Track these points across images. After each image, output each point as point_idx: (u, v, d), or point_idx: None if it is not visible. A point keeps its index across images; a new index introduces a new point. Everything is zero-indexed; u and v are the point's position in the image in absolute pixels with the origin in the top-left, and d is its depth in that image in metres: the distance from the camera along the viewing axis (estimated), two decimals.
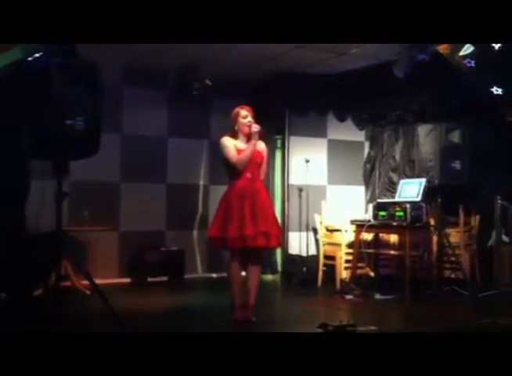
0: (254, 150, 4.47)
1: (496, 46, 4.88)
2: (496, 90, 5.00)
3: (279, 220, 7.48)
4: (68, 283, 5.45)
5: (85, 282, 5.24)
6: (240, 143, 4.51)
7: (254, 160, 4.49)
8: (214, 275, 7.33)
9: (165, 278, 6.71)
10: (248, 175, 4.47)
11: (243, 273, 4.66)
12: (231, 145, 4.47)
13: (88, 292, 5.46)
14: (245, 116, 4.51)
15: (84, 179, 6.37)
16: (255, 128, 4.43)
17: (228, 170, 4.53)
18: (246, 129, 4.48)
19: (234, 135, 4.54)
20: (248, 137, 4.47)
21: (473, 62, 4.95)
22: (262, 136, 4.57)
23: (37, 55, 3.61)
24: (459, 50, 4.97)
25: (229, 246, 4.44)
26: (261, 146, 4.60)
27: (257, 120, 4.55)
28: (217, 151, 7.13)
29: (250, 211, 4.36)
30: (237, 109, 4.57)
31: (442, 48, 5.02)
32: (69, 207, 5.73)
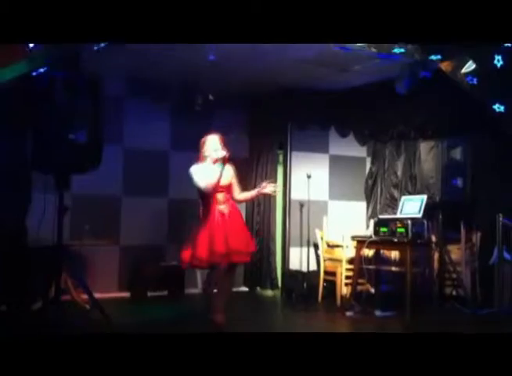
0: (223, 174, 4.74)
1: (498, 64, 4.90)
2: (498, 107, 5.01)
3: (280, 235, 7.52)
4: (67, 297, 5.42)
5: (85, 296, 5.23)
6: (208, 168, 4.76)
7: (222, 184, 4.77)
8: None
9: (165, 293, 6.68)
10: (220, 197, 4.78)
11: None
12: (198, 171, 4.75)
13: (87, 306, 5.43)
14: (213, 143, 4.83)
15: (86, 193, 6.35)
16: (221, 154, 4.74)
17: (199, 192, 4.82)
18: (212, 155, 4.77)
19: (202, 161, 4.83)
20: (215, 162, 4.76)
21: (475, 79, 4.96)
22: (227, 161, 4.81)
23: (42, 69, 3.64)
24: (462, 67, 4.98)
25: (197, 265, 4.82)
26: (229, 171, 4.87)
27: (224, 139, 4.88)
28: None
29: (222, 232, 4.65)
30: (205, 137, 4.90)
31: (444, 66, 5.04)
32: (70, 221, 5.73)
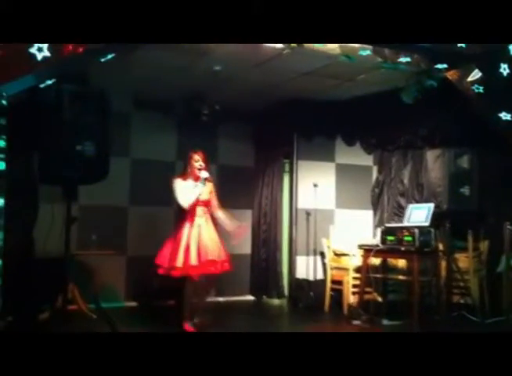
0: (200, 193, 5.07)
1: (505, 72, 4.90)
2: (505, 116, 5.00)
3: (286, 244, 7.52)
4: (74, 307, 5.43)
5: (92, 306, 5.24)
6: (189, 185, 5.06)
7: (202, 199, 5.12)
8: (220, 299, 7.30)
9: (172, 302, 6.68)
10: (197, 211, 5.10)
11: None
12: (179, 187, 5.04)
13: (94, 316, 5.44)
14: (197, 160, 5.11)
15: (93, 203, 6.39)
16: (204, 175, 5.05)
17: (179, 208, 5.12)
18: (196, 172, 5.08)
19: (185, 177, 5.11)
20: (197, 180, 5.05)
21: (481, 88, 4.95)
22: (209, 181, 5.16)
23: (49, 82, 3.66)
24: (467, 76, 4.98)
25: (175, 275, 4.97)
26: (209, 188, 5.20)
27: (207, 164, 5.19)
28: (224, 175, 7.26)
29: (198, 244, 4.96)
30: (191, 153, 5.15)
31: (450, 74, 5.04)
32: (77, 231, 5.74)
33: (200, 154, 5.14)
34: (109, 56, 3.74)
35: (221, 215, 5.27)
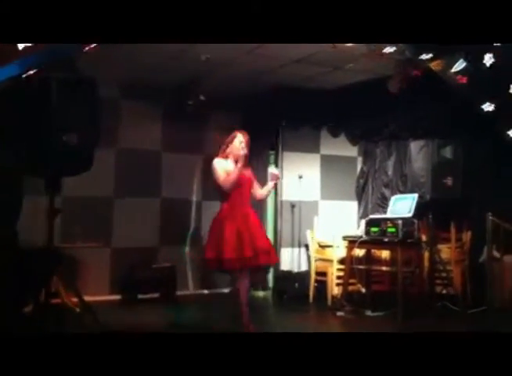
0: (242, 173, 4.63)
1: (488, 63, 4.93)
2: (488, 106, 5.03)
3: (271, 236, 7.52)
4: (58, 300, 5.38)
5: (76, 299, 5.19)
6: (230, 166, 4.65)
7: (243, 182, 4.67)
8: (205, 291, 7.30)
9: (156, 295, 6.65)
10: (240, 195, 4.64)
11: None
12: (220, 167, 4.64)
13: (77, 309, 5.39)
14: (241, 141, 4.68)
15: (77, 195, 6.31)
16: (242, 151, 4.61)
17: (220, 191, 4.67)
18: (238, 153, 4.62)
19: (225, 157, 4.71)
20: (237, 161, 4.62)
21: (465, 78, 4.98)
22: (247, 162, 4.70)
23: (33, 71, 3.60)
24: (452, 66, 5.00)
25: (227, 267, 4.51)
26: (249, 171, 4.79)
27: (249, 138, 4.72)
28: (209, 166, 7.24)
29: (247, 232, 4.51)
30: (236, 132, 4.74)
31: (434, 65, 5.05)
32: (61, 223, 5.69)
33: (245, 135, 4.72)
34: (93, 45, 3.70)
35: (261, 192, 4.83)
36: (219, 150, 4.78)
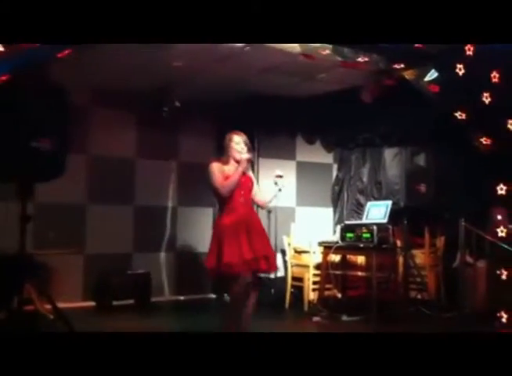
0: (243, 176, 4.38)
1: (460, 72, 5.01)
2: (460, 115, 5.12)
3: None
4: (31, 307, 5.32)
5: (49, 306, 5.14)
6: (230, 169, 4.38)
7: (244, 186, 4.42)
8: (181, 297, 7.27)
9: (131, 301, 6.61)
10: (241, 199, 4.38)
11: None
12: (217, 171, 4.34)
13: (51, 316, 5.33)
14: (238, 142, 4.41)
15: (50, 201, 6.24)
16: (244, 155, 4.35)
17: (219, 196, 4.41)
18: (237, 156, 4.38)
19: (225, 161, 4.42)
20: (237, 163, 4.37)
21: (437, 87, 5.06)
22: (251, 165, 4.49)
23: (4, 77, 3.57)
24: (424, 75, 5.08)
25: (227, 271, 4.24)
26: (250, 173, 4.56)
27: (247, 138, 4.47)
28: (185, 173, 7.22)
29: (246, 236, 4.27)
30: (231, 134, 4.47)
31: (408, 74, 5.14)
32: (33, 230, 5.62)
33: (240, 135, 4.44)
34: (66, 51, 3.69)
35: (258, 196, 4.57)
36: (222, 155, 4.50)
